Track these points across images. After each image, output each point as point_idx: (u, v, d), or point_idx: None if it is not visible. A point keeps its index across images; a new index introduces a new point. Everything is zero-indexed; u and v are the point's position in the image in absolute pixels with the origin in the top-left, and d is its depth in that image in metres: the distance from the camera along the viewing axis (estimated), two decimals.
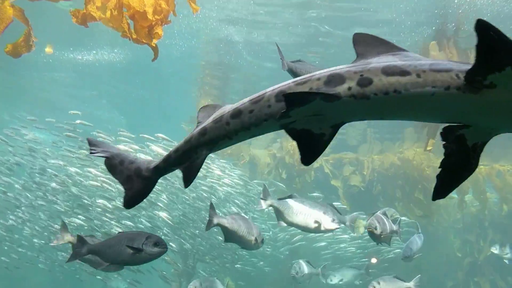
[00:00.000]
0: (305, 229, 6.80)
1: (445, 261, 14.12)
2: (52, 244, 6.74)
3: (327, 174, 13.73)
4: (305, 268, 9.86)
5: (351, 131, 14.84)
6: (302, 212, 6.62)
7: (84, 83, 16.47)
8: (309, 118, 2.12)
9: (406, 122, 13.68)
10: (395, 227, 6.53)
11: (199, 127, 2.39)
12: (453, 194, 12.20)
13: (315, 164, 13.75)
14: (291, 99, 2.04)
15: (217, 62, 13.59)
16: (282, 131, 2.22)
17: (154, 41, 5.16)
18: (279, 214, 6.67)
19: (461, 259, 14.15)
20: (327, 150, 2.25)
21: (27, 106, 17.95)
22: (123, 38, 5.14)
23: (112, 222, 11.93)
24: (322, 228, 6.71)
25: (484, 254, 13.69)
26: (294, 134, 2.22)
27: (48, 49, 13.27)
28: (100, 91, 17.38)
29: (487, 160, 13.60)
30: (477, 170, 2.15)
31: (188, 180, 2.48)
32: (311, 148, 2.27)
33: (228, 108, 2.31)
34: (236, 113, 2.23)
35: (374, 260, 13.19)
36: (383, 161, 14.35)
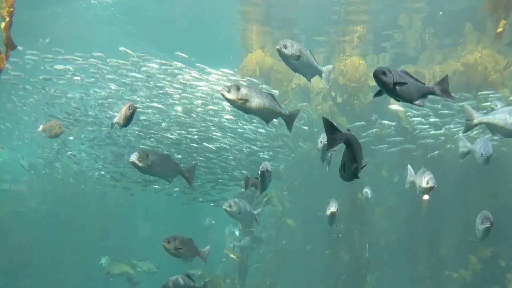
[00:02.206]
0: None
1: None
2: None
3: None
4: None
5: (409, 41, 14.22)
6: None
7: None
8: None
9: (465, 16, 13.01)
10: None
11: None
12: None
13: (371, 82, 13.34)
14: None
15: None
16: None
17: None
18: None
19: None
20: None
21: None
22: None
23: None
24: None
25: None
26: None
27: None
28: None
29: None
30: None
31: None
32: None
33: None
34: None
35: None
36: (445, 71, 13.68)
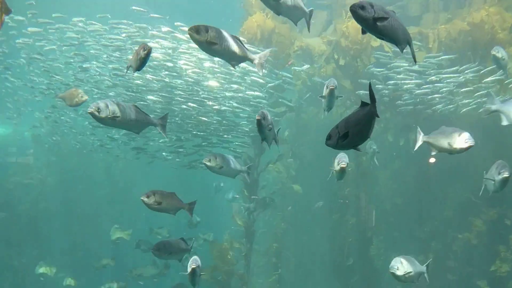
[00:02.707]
0: None
1: None
2: None
3: (388, 55, 13.10)
4: None
5: (412, 1, 13.96)
6: None
7: None
8: None
9: None
10: None
11: None
12: None
13: (374, 42, 13.17)
14: None
15: None
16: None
17: None
18: None
19: None
20: None
21: None
22: None
23: None
24: None
25: None
26: None
27: None
28: None
29: None
30: None
31: None
32: None
33: None
34: None
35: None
36: (450, 31, 13.43)
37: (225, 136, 15.56)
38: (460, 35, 13.34)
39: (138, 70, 6.20)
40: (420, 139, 7.11)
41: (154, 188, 7.42)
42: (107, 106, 6.18)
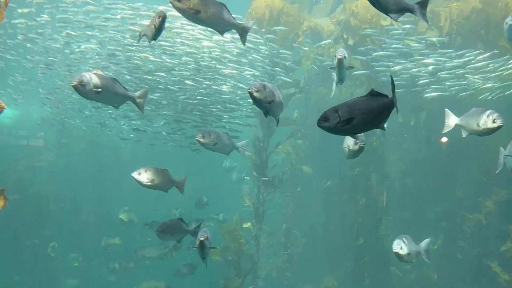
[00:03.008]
0: None
1: None
2: None
3: (399, 34, 12.95)
4: None
5: None
6: None
7: None
8: None
9: None
10: None
11: None
12: None
13: (384, 21, 13.02)
14: None
15: None
16: None
17: None
18: None
19: None
20: None
21: None
22: None
23: None
24: None
25: None
26: None
27: None
28: None
29: None
30: None
31: None
32: None
33: None
34: None
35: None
36: (462, 9, 13.23)
37: (226, 116, 15.62)
38: (472, 13, 13.15)
39: (154, 39, 5.96)
40: (452, 122, 6.97)
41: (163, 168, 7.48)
42: (90, 79, 5.99)
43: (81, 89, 5.92)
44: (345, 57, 6.36)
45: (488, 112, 6.25)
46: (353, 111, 4.00)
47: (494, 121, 6.12)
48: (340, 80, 6.69)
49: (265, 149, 14.04)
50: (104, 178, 22.02)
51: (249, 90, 5.20)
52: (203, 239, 6.54)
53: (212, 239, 6.84)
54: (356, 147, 6.44)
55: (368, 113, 4.05)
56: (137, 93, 6.81)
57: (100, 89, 6.04)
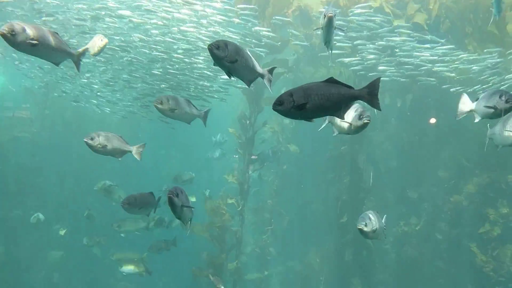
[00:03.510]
0: None
1: None
2: None
3: (388, 14, 13.05)
4: None
5: None
6: None
7: None
8: None
9: None
10: None
11: None
12: None
13: (374, 3, 13.08)
14: None
15: None
16: None
17: None
18: None
19: None
20: None
21: None
22: None
23: None
24: None
25: None
26: None
27: None
28: None
29: None
30: None
31: None
32: None
33: None
34: None
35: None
36: None
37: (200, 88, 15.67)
38: None
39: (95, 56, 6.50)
40: (468, 107, 6.76)
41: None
42: (24, 30, 5.46)
43: (11, 39, 5.39)
44: (335, 15, 5.97)
45: (498, 93, 6.13)
46: (308, 96, 3.99)
47: (507, 101, 5.98)
48: (327, 42, 6.20)
49: (252, 125, 14.18)
50: (88, 150, 21.92)
51: (209, 47, 4.97)
52: (170, 195, 5.80)
53: (188, 199, 6.21)
54: (360, 122, 5.75)
55: (324, 99, 4.03)
56: (77, 52, 6.54)
57: (35, 42, 5.58)
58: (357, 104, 5.72)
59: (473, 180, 14.23)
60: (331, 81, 4.11)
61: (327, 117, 6.33)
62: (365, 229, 6.29)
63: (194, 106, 7.83)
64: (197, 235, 13.74)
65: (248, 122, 14.21)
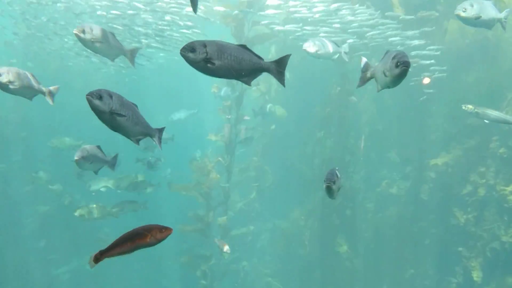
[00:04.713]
0: None
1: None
2: None
3: None
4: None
5: None
6: None
7: None
8: None
9: None
10: None
11: None
12: None
13: None
14: None
15: None
16: None
17: None
18: None
19: None
20: None
21: None
22: None
23: None
24: None
25: None
26: None
27: None
28: None
29: None
30: None
31: None
32: None
33: None
34: None
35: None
36: None
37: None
38: None
39: None
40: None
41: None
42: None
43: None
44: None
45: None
46: (221, 53, 3.92)
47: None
48: None
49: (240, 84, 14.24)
50: (72, 104, 21.85)
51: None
52: (89, 96, 4.65)
53: (128, 107, 5.01)
54: (397, 71, 4.85)
55: (235, 62, 3.99)
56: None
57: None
58: (395, 51, 5.05)
59: (457, 146, 14.36)
60: (244, 47, 4.11)
61: (369, 72, 5.67)
62: (333, 187, 6.05)
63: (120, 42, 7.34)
64: (182, 195, 14.14)
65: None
